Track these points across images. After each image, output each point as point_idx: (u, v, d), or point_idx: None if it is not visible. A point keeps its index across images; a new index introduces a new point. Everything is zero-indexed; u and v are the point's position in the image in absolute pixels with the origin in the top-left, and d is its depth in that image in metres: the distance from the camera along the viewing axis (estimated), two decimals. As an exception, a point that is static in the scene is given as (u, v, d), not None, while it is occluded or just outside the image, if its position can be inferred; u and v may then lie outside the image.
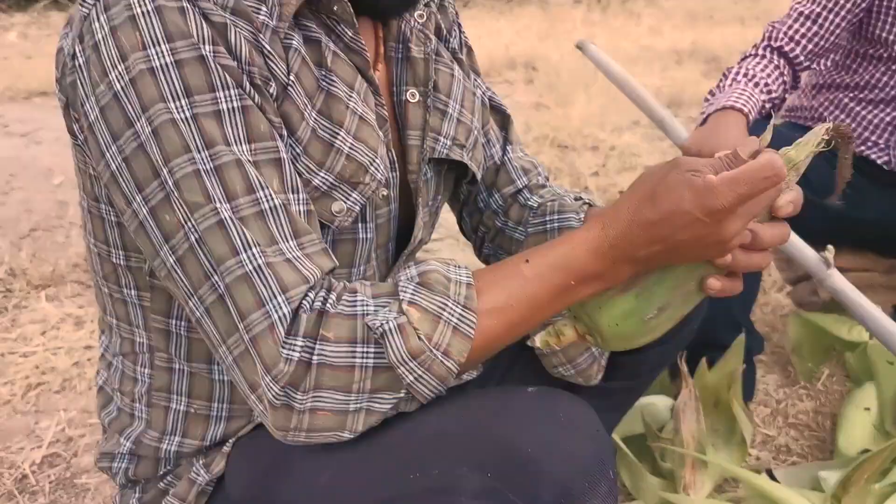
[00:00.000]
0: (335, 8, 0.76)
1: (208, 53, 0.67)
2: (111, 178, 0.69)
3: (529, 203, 1.02)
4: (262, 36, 0.70)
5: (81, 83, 0.69)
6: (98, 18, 0.67)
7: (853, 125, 1.68)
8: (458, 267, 0.71)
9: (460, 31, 1.01)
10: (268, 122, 0.70)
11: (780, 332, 1.96)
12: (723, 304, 1.53)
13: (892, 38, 1.57)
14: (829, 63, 1.71)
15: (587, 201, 1.00)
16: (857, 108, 1.67)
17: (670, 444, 1.34)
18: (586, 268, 0.70)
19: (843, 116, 1.69)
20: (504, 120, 1.07)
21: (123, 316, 0.84)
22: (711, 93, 1.60)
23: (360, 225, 0.82)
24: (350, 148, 0.76)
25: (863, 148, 1.67)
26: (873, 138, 1.66)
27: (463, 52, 1.00)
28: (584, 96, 3.85)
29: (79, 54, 0.69)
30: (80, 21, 0.70)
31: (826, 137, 0.72)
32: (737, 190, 0.65)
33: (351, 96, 0.77)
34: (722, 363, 1.46)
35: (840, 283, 1.23)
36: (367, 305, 0.66)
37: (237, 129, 0.67)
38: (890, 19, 1.56)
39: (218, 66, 0.67)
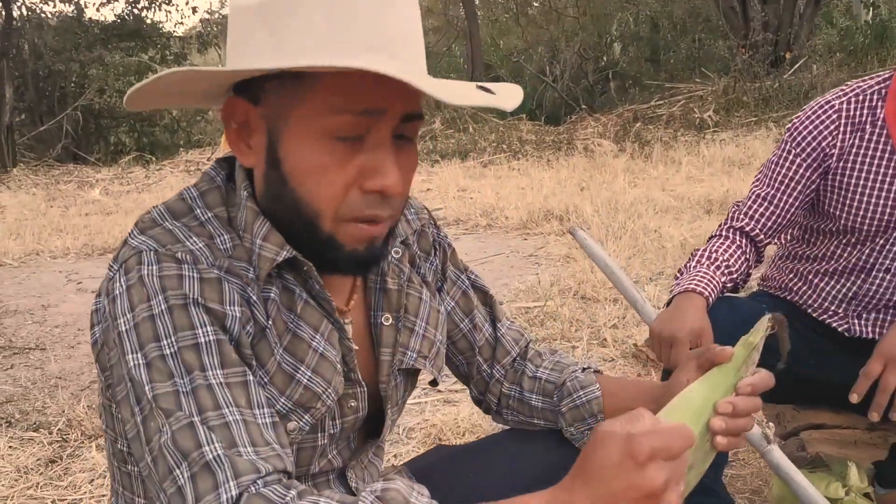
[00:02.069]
0: (304, 268, 0.96)
1: (193, 302, 0.88)
2: (120, 394, 0.90)
3: (539, 375, 1.23)
4: (249, 288, 0.92)
5: (105, 325, 0.92)
6: (119, 279, 0.90)
7: (814, 295, 1.82)
8: (422, 494, 0.83)
9: (439, 248, 1.21)
10: (238, 353, 0.89)
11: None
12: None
13: (839, 213, 1.73)
14: (790, 237, 1.88)
15: (596, 370, 1.22)
16: (816, 280, 1.82)
17: None
18: None
19: (804, 287, 1.84)
20: (487, 298, 1.27)
21: (127, 485, 1.04)
22: (680, 272, 1.77)
23: (317, 434, 1.01)
24: (308, 380, 0.96)
25: (825, 317, 1.81)
26: (833, 308, 1.80)
27: (438, 260, 1.20)
28: (612, 247, 4.06)
29: (107, 305, 0.91)
30: (107, 281, 0.93)
31: (770, 324, 0.96)
32: (652, 443, 0.74)
33: (315, 337, 0.97)
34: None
35: (778, 456, 1.36)
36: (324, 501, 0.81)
37: (212, 357, 0.87)
38: (837, 197, 1.73)
39: (200, 309, 0.88)
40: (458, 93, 0.86)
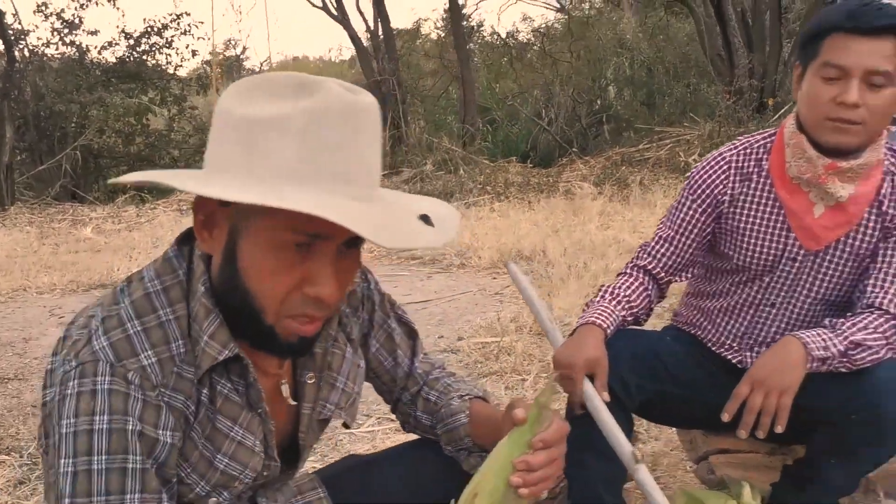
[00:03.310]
0: (244, 363, 1.12)
1: (132, 429, 1.00)
2: (52, 476, 1.06)
3: (430, 398, 1.43)
4: (190, 400, 1.08)
5: (52, 415, 1.05)
6: (74, 379, 1.01)
7: (714, 330, 1.99)
8: None
9: (367, 301, 1.37)
10: (158, 481, 1.03)
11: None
12: (590, 482, 1.81)
13: (732, 254, 1.90)
14: (694, 276, 2.05)
15: (475, 396, 1.40)
16: (714, 315, 1.98)
17: None
18: None
19: (706, 322, 2.01)
20: (411, 333, 1.46)
21: None
22: (588, 305, 1.94)
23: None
24: (225, 466, 1.13)
25: (722, 350, 1.97)
26: (728, 342, 1.96)
27: (366, 312, 1.36)
28: (573, 286, 4.22)
29: (56, 394, 1.03)
30: (61, 365, 1.04)
31: (556, 382, 1.16)
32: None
33: (233, 429, 1.13)
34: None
35: (643, 475, 1.51)
36: None
37: (135, 482, 1.02)
38: (730, 239, 1.90)
39: (135, 436, 1.00)
40: (397, 233, 1.00)
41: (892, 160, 1.82)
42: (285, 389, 1.21)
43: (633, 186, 7.72)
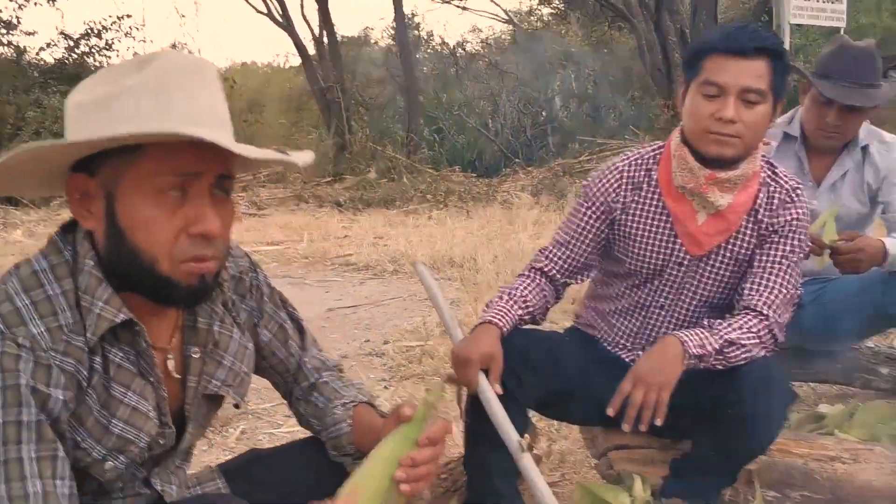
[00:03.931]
0: (136, 328, 1.18)
1: (25, 384, 1.06)
2: None
3: (318, 403, 1.47)
4: (80, 364, 1.12)
5: None
6: None
7: (610, 331, 2.09)
8: None
9: (255, 290, 1.43)
10: (53, 432, 1.07)
11: None
12: (485, 473, 1.88)
13: (625, 259, 2.00)
14: (587, 277, 2.14)
15: (361, 402, 1.45)
16: (609, 317, 2.09)
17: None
18: None
19: (602, 324, 2.10)
20: (301, 328, 1.52)
21: None
22: (488, 305, 2.02)
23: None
24: (121, 430, 1.18)
25: (617, 350, 2.07)
26: (622, 341, 2.07)
27: (254, 301, 1.42)
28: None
29: None
30: None
31: (445, 383, 1.22)
32: None
33: (126, 394, 1.18)
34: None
35: (527, 463, 1.59)
36: None
37: (31, 433, 1.07)
38: (622, 245, 1.99)
39: (29, 390, 1.06)
40: (257, 152, 1.10)
41: (768, 172, 1.95)
42: (171, 363, 1.26)
43: (569, 196, 7.88)
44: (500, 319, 1.89)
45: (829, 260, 2.34)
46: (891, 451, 2.07)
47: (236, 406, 1.42)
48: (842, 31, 12.98)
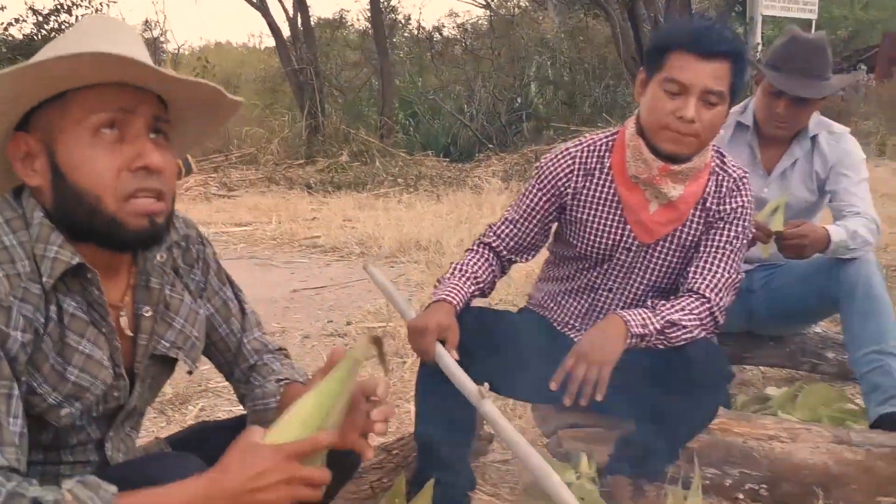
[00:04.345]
0: (89, 275, 1.20)
1: None
2: None
3: (256, 384, 1.49)
4: (37, 311, 1.15)
5: None
6: None
7: (560, 311, 2.14)
8: (109, 485, 1.05)
9: (202, 262, 1.45)
10: (10, 370, 1.09)
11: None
12: (435, 446, 1.92)
13: (575, 242, 2.05)
14: (533, 258, 2.19)
15: (289, 380, 1.47)
16: (559, 298, 2.14)
17: None
18: None
19: (553, 305, 2.16)
20: (243, 309, 1.54)
21: None
22: (439, 281, 2.06)
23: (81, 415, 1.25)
24: (76, 377, 1.20)
25: (566, 330, 2.13)
26: (572, 321, 2.12)
27: (201, 272, 1.45)
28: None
29: None
30: None
31: (374, 346, 1.17)
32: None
33: (81, 342, 1.21)
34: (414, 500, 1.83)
35: (489, 409, 1.61)
36: (23, 485, 1.02)
37: None
38: (573, 229, 2.04)
39: None
40: (177, 75, 1.15)
41: (718, 161, 2.00)
42: (124, 321, 1.29)
43: (539, 182, 7.92)
44: (453, 297, 1.93)
45: (773, 247, 2.41)
46: (828, 431, 2.15)
47: (189, 372, 1.45)
48: (813, 23, 13.13)
